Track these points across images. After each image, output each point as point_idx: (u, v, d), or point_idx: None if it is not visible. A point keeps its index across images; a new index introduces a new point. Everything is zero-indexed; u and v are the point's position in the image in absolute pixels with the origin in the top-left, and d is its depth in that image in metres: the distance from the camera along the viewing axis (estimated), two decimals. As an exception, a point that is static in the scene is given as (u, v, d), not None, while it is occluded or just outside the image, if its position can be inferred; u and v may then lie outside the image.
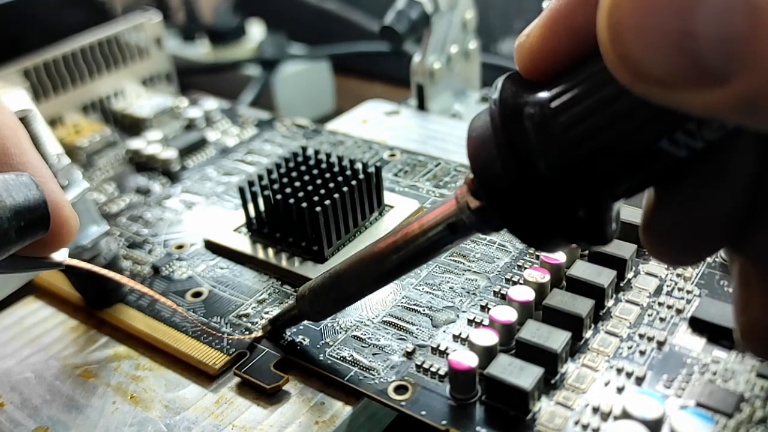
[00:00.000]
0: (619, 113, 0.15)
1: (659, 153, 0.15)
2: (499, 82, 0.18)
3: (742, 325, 0.16)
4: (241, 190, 0.33)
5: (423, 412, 0.23)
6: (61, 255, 0.22)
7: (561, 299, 0.26)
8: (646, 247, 0.17)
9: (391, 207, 0.34)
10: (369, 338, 0.27)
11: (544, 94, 0.16)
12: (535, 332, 0.24)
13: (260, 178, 0.33)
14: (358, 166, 0.33)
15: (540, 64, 0.17)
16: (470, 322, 0.27)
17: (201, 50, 0.63)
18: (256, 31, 0.65)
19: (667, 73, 0.12)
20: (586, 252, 0.28)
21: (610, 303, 0.27)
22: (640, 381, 0.24)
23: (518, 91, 0.17)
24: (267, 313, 0.29)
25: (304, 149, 0.34)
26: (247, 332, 0.28)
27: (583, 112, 0.16)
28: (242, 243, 0.33)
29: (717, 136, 0.14)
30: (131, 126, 0.47)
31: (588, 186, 0.16)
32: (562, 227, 0.17)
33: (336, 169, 0.33)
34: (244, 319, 0.29)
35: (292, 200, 0.31)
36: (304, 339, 0.27)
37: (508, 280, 0.29)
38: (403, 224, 0.22)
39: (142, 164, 0.42)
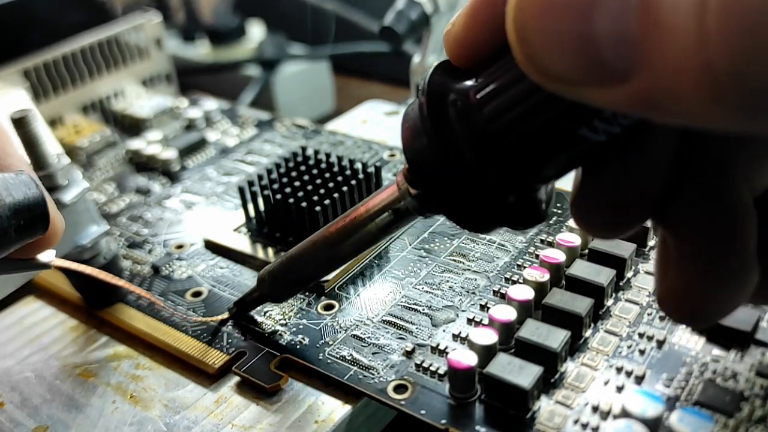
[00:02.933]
0: (538, 105, 0.16)
1: (580, 139, 0.15)
2: (429, 69, 0.18)
3: (660, 290, 0.17)
4: (241, 190, 0.33)
5: (422, 412, 0.23)
6: (47, 256, 0.22)
7: (560, 298, 0.26)
8: (576, 221, 0.18)
9: (391, 207, 0.34)
10: (368, 337, 0.27)
11: (469, 84, 0.17)
12: (535, 331, 0.24)
13: (260, 178, 0.33)
14: (358, 166, 0.33)
15: (465, 51, 0.17)
16: (470, 321, 0.27)
17: (201, 50, 0.63)
18: (256, 31, 0.65)
19: (570, 72, 0.13)
20: (586, 251, 0.28)
21: (609, 302, 0.27)
22: (639, 380, 0.24)
23: (446, 79, 0.17)
24: (266, 312, 0.29)
25: (304, 149, 0.34)
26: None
27: (505, 104, 0.16)
28: (242, 243, 0.33)
29: (632, 121, 0.15)
30: (131, 126, 0.47)
31: (515, 173, 0.17)
32: (494, 212, 0.18)
33: (336, 169, 0.33)
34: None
35: (292, 200, 0.31)
36: (303, 338, 0.27)
37: (507, 280, 0.29)
38: (351, 209, 0.23)
39: (142, 164, 0.42)
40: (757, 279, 0.16)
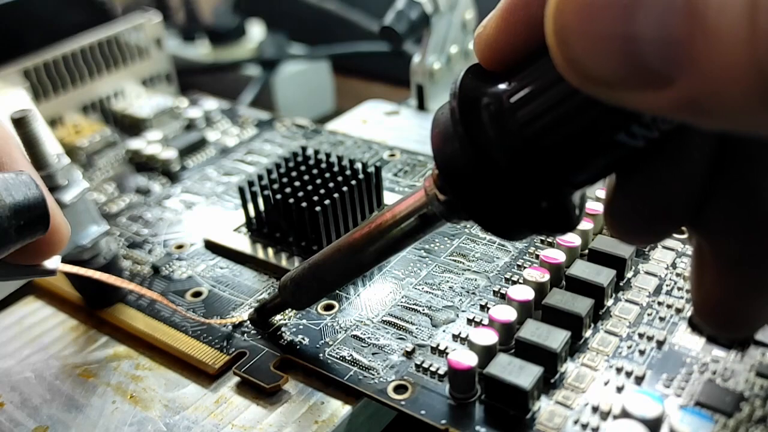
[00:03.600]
0: (575, 109, 0.15)
1: (617, 145, 0.15)
2: (461, 73, 0.18)
3: (697, 299, 0.17)
4: (241, 190, 0.33)
5: (422, 412, 0.23)
6: (53, 263, 0.22)
7: (560, 298, 0.26)
8: (609, 228, 0.18)
9: (391, 207, 0.34)
10: (368, 338, 0.27)
11: (502, 87, 0.16)
12: (535, 331, 0.24)
13: (260, 178, 0.33)
14: (358, 166, 0.33)
15: (498, 55, 0.17)
16: (470, 321, 0.27)
17: (201, 50, 0.63)
18: (256, 31, 0.65)
19: (612, 75, 0.13)
20: (586, 251, 0.28)
21: (609, 302, 0.27)
22: (639, 380, 0.24)
23: (478, 83, 0.17)
24: (267, 312, 0.29)
25: (304, 149, 0.34)
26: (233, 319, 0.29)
27: (540, 108, 0.16)
28: (242, 243, 0.33)
29: (672, 126, 0.15)
30: (131, 126, 0.47)
31: (549, 179, 0.16)
32: (526, 218, 0.17)
33: (336, 169, 0.33)
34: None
35: (292, 200, 0.31)
36: (303, 339, 0.27)
37: (507, 280, 0.29)
38: (376, 214, 0.23)
39: (142, 164, 0.42)
40: None
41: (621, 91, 0.13)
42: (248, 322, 0.29)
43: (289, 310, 0.29)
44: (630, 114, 0.14)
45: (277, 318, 0.28)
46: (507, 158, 0.16)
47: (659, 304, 0.27)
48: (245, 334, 0.28)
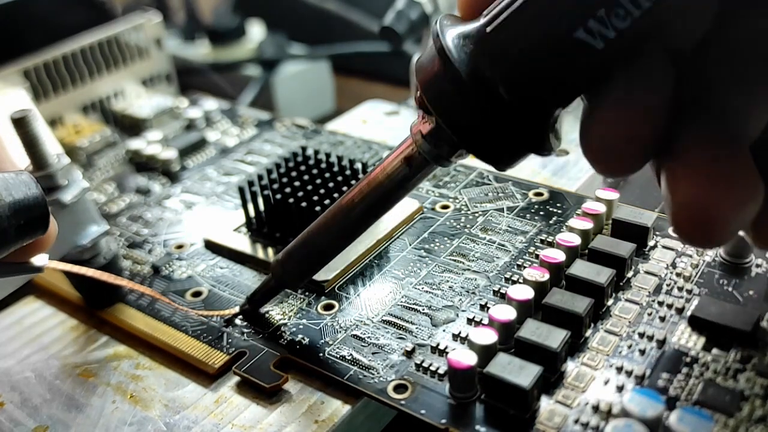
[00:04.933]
0: (536, 12, 0.18)
1: (580, 44, 0.17)
2: (437, 19, 0.20)
3: (673, 209, 0.18)
4: (241, 190, 0.33)
5: (422, 411, 0.23)
6: (40, 260, 0.22)
7: (560, 298, 0.26)
8: (586, 155, 0.19)
9: (391, 206, 0.34)
10: (368, 337, 0.27)
11: (478, 20, 0.19)
12: (535, 331, 0.24)
13: (260, 178, 0.33)
14: (358, 166, 0.33)
15: (475, 5, 0.20)
16: (470, 321, 0.27)
17: (201, 50, 0.63)
18: (256, 31, 0.65)
19: None
20: (586, 251, 0.28)
21: (609, 302, 0.27)
22: (639, 380, 0.24)
23: (454, 21, 0.20)
24: (266, 312, 0.29)
25: (304, 149, 0.34)
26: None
27: (507, 18, 0.18)
28: (242, 243, 0.33)
29: (625, 24, 0.17)
30: (131, 126, 0.47)
31: (524, 84, 0.18)
32: (510, 131, 0.19)
33: (336, 169, 0.33)
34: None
35: (291, 200, 0.31)
36: (303, 338, 0.27)
37: (507, 279, 0.29)
38: (367, 173, 0.24)
39: (142, 164, 0.42)
40: (763, 197, 0.18)
41: None
42: (240, 313, 0.29)
43: (290, 310, 0.29)
44: (584, 10, 0.17)
45: (277, 318, 0.28)
46: (484, 65, 0.18)
47: (659, 303, 0.27)
48: (245, 334, 0.28)
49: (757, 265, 0.28)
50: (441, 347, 0.26)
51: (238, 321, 0.29)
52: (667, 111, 0.18)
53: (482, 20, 0.19)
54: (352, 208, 0.24)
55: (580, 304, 0.25)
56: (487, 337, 0.24)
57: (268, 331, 0.28)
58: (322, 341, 0.27)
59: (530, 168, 0.37)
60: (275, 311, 0.29)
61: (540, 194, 0.34)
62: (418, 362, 0.25)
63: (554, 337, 0.24)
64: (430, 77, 0.20)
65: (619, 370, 0.24)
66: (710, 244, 0.20)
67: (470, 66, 0.19)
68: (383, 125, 0.44)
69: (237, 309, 0.29)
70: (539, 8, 0.18)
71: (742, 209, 0.18)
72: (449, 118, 0.20)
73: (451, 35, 0.19)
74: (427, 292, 0.29)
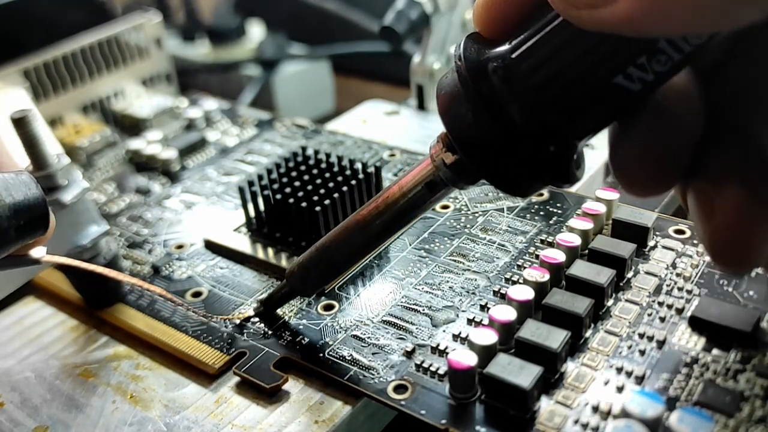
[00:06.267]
0: (575, 55, 0.17)
1: (616, 88, 0.17)
2: (461, 40, 0.19)
3: (710, 234, 0.18)
4: (241, 190, 0.33)
5: (422, 412, 0.23)
6: (38, 252, 0.22)
7: (560, 298, 0.26)
8: (615, 176, 0.19)
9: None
10: (368, 338, 0.27)
11: (504, 47, 0.18)
12: (535, 331, 0.24)
13: (260, 178, 0.33)
14: (358, 166, 0.33)
15: (495, 21, 0.19)
16: (470, 321, 0.27)
17: (201, 50, 0.63)
18: (256, 31, 0.65)
19: None
20: (586, 251, 0.28)
21: (609, 302, 0.27)
22: (639, 380, 0.24)
23: (480, 46, 0.19)
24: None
25: (304, 149, 0.34)
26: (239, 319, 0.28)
27: (542, 58, 0.17)
28: (242, 243, 0.33)
29: (665, 68, 0.16)
30: (131, 126, 0.47)
31: (554, 125, 0.18)
32: (534, 167, 0.18)
33: (336, 169, 0.33)
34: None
35: (291, 200, 0.31)
36: (303, 339, 0.27)
37: (507, 280, 0.29)
38: (383, 190, 0.24)
39: (142, 164, 0.42)
40: None
41: (585, 11, 0.15)
42: (254, 316, 0.29)
43: (289, 309, 0.29)
44: (626, 56, 0.16)
45: (277, 318, 0.28)
46: (513, 106, 0.18)
47: (659, 304, 0.27)
48: (245, 334, 0.28)
49: (757, 266, 0.28)
50: (441, 348, 0.26)
51: (238, 320, 0.29)
52: (698, 130, 0.18)
53: (508, 48, 0.18)
54: (367, 224, 0.24)
55: (580, 304, 0.25)
56: (487, 337, 0.24)
57: (269, 332, 0.28)
58: (322, 341, 0.27)
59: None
60: (275, 311, 0.29)
61: (540, 194, 0.34)
62: (418, 362, 0.25)
63: (554, 337, 0.24)
64: (453, 110, 0.19)
65: (619, 370, 0.24)
66: (748, 266, 0.20)
67: (495, 99, 0.18)
68: (383, 125, 0.44)
69: (251, 312, 0.29)
70: (578, 52, 0.17)
71: None
72: (476, 159, 0.19)
73: (475, 62, 0.18)
74: (427, 292, 0.29)
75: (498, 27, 0.19)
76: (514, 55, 0.18)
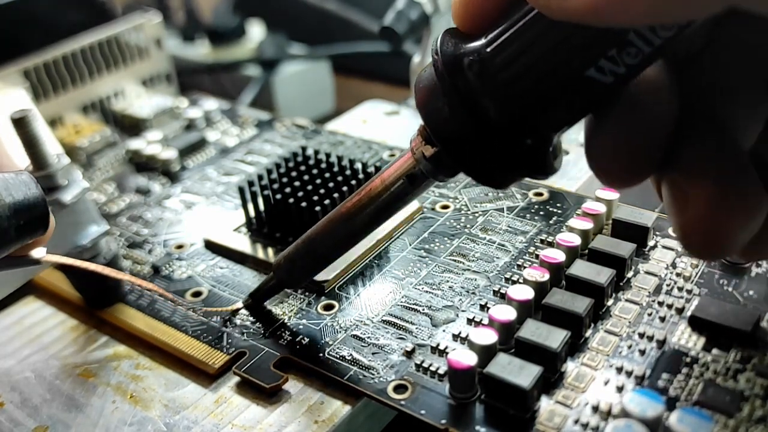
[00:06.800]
0: (547, 49, 0.17)
1: (589, 81, 0.17)
2: (438, 36, 0.19)
3: (682, 224, 0.19)
4: (241, 190, 0.33)
5: (422, 411, 0.23)
6: (39, 252, 0.22)
7: (560, 298, 0.26)
8: (591, 167, 0.19)
9: (391, 206, 0.34)
10: (368, 337, 0.27)
11: (479, 42, 0.18)
12: (535, 331, 0.24)
13: (260, 178, 0.33)
14: (358, 166, 0.33)
15: (472, 16, 0.19)
16: (470, 321, 0.27)
17: (201, 50, 0.63)
18: (256, 31, 0.65)
19: None
20: (586, 251, 0.28)
21: (609, 302, 0.27)
22: (639, 380, 0.24)
23: (457, 41, 0.19)
24: (267, 311, 0.29)
25: (304, 149, 0.34)
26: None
27: (515, 51, 0.18)
28: (242, 243, 0.33)
29: (636, 61, 0.17)
30: (131, 126, 0.47)
31: (528, 118, 0.18)
32: (510, 159, 0.19)
33: (336, 169, 0.33)
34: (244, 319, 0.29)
35: (291, 200, 0.31)
36: (303, 338, 0.27)
37: (507, 280, 0.29)
38: (366, 183, 0.24)
39: (142, 164, 0.42)
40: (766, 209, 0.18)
41: (558, 0, 0.15)
42: (243, 308, 0.29)
43: (290, 310, 0.29)
44: (598, 49, 0.16)
45: (277, 318, 0.28)
46: (488, 100, 0.18)
47: (659, 303, 0.27)
48: (245, 334, 0.28)
49: (757, 265, 0.28)
50: (441, 347, 0.26)
51: (238, 321, 0.29)
52: (671, 122, 0.18)
53: (484, 42, 0.18)
54: (351, 217, 0.25)
55: (580, 304, 0.25)
56: (487, 337, 0.24)
57: (269, 331, 0.28)
58: (322, 341, 0.27)
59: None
60: (275, 311, 0.29)
61: (540, 194, 0.34)
62: (418, 362, 0.25)
63: (554, 337, 0.24)
64: (431, 104, 0.19)
65: (619, 370, 0.24)
66: (720, 257, 0.20)
67: (470, 93, 0.18)
68: (383, 125, 0.44)
69: (240, 304, 0.29)
70: (551, 45, 0.17)
71: (752, 222, 0.18)
72: (453, 150, 0.19)
73: (451, 56, 0.19)
74: (427, 292, 0.29)
75: (475, 21, 0.19)
76: (488, 50, 0.18)
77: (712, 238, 0.18)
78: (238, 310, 0.29)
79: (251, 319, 0.29)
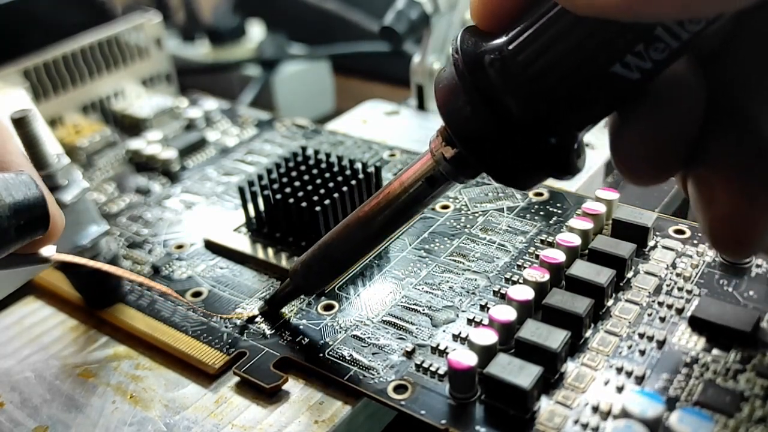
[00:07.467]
0: (572, 45, 0.17)
1: (614, 77, 0.17)
2: (458, 34, 0.19)
3: (709, 222, 0.18)
4: (241, 190, 0.33)
5: (422, 412, 0.23)
6: (48, 250, 0.22)
7: (560, 298, 0.26)
8: (616, 166, 0.19)
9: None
10: (369, 338, 0.27)
11: (500, 40, 0.18)
12: (535, 331, 0.24)
13: (260, 178, 0.33)
14: (358, 166, 0.33)
15: (492, 13, 0.18)
16: (470, 321, 0.27)
17: (201, 50, 0.63)
18: (256, 31, 0.65)
19: None
20: (586, 251, 0.28)
21: (609, 302, 0.27)
22: (639, 380, 0.24)
23: (477, 39, 0.18)
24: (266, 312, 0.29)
25: (304, 149, 0.34)
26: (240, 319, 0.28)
27: (539, 48, 0.17)
28: (242, 243, 0.33)
29: (663, 56, 0.16)
30: (131, 126, 0.47)
31: (552, 116, 0.18)
32: (533, 158, 0.18)
33: (336, 169, 0.33)
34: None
35: (291, 200, 0.31)
36: (303, 338, 0.27)
37: (507, 280, 0.29)
38: (384, 186, 0.23)
39: (142, 164, 0.42)
40: None
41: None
42: (260, 315, 0.29)
43: (290, 310, 0.29)
44: (624, 45, 0.16)
45: (277, 318, 0.28)
46: (511, 98, 0.17)
47: (659, 304, 0.27)
48: (245, 334, 0.28)
49: (757, 266, 0.28)
50: (441, 348, 0.26)
51: (237, 321, 0.29)
52: (698, 117, 0.18)
53: (505, 40, 0.18)
54: (368, 220, 0.24)
55: (580, 304, 0.25)
56: (487, 337, 0.24)
57: (269, 331, 0.28)
58: (322, 341, 0.27)
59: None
60: (280, 310, 0.29)
61: (540, 194, 0.34)
62: (418, 363, 0.25)
63: (554, 337, 0.24)
64: (451, 103, 0.19)
65: (619, 370, 0.24)
66: (749, 253, 0.20)
67: (492, 91, 0.18)
68: (383, 125, 0.44)
69: (256, 311, 0.29)
70: (575, 41, 0.17)
71: None
72: (476, 150, 0.19)
73: (472, 54, 0.18)
74: (427, 292, 0.29)
75: (495, 19, 0.18)
76: (510, 47, 0.18)
77: (740, 234, 0.18)
78: (254, 317, 0.29)
79: (256, 319, 0.29)
